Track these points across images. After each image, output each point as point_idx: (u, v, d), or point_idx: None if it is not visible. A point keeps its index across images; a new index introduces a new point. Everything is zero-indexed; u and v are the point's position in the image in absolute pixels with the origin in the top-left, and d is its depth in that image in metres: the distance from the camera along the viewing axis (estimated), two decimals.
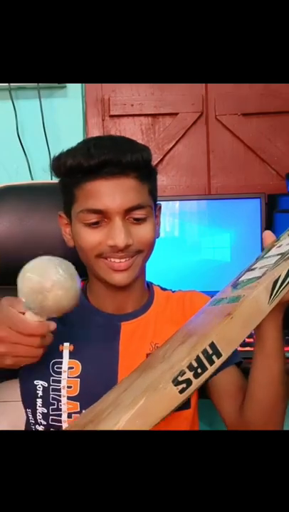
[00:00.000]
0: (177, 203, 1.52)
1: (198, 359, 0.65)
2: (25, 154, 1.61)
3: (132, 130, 1.66)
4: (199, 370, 0.65)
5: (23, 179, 1.58)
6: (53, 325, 0.74)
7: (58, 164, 0.88)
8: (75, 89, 1.68)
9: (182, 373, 0.65)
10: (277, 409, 0.84)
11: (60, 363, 0.90)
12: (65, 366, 0.89)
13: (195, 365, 0.65)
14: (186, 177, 1.66)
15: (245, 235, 1.49)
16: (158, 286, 1.01)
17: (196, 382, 0.65)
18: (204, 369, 0.65)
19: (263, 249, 0.84)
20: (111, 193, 0.84)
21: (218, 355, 0.66)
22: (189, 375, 0.65)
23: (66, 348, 0.91)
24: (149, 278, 1.02)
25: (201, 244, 1.51)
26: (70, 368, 0.89)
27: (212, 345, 0.66)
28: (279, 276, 0.70)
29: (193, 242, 1.51)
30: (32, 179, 1.60)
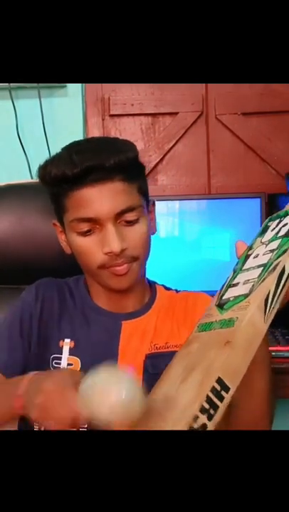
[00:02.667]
0: (177, 202, 1.52)
1: (208, 399, 0.61)
2: (25, 154, 1.61)
3: (132, 130, 1.66)
4: (212, 411, 0.61)
5: (23, 179, 1.57)
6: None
7: (44, 174, 0.87)
8: (75, 89, 1.67)
9: (196, 418, 0.60)
10: (262, 424, 0.84)
11: (60, 358, 0.90)
12: (64, 362, 0.90)
13: (207, 406, 0.61)
14: (186, 177, 1.66)
15: (245, 234, 1.47)
16: (162, 285, 1.00)
17: (211, 425, 0.61)
18: (216, 408, 0.61)
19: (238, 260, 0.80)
20: (99, 199, 0.83)
21: (227, 389, 0.62)
22: (203, 418, 0.60)
23: (67, 344, 0.91)
24: (149, 277, 1.02)
25: (201, 244, 1.51)
26: (69, 365, 0.89)
27: (219, 381, 0.62)
28: (269, 292, 0.67)
29: (193, 241, 1.51)
30: (32, 179, 1.60)
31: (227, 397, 0.62)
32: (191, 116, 1.65)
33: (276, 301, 0.67)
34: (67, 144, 0.91)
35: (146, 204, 0.91)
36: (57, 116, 1.67)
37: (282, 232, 0.75)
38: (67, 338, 0.91)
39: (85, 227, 0.85)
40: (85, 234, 0.85)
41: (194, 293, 0.98)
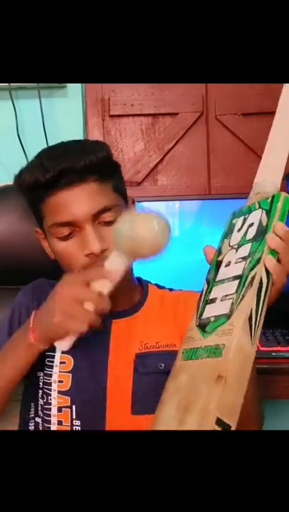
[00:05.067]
0: (177, 202, 1.52)
1: None
2: (25, 154, 1.61)
3: (132, 130, 1.66)
4: None
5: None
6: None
7: (19, 182, 0.89)
8: (75, 89, 1.67)
9: None
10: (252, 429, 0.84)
11: (53, 356, 0.91)
12: (57, 361, 0.90)
13: None
14: (186, 177, 1.66)
15: None
16: (155, 284, 1.00)
17: None
18: None
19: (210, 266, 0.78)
20: (74, 202, 0.84)
21: (228, 427, 0.59)
22: None
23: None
24: (148, 277, 1.02)
25: (201, 244, 1.50)
26: (62, 363, 0.90)
27: (219, 421, 0.59)
28: (251, 311, 0.64)
29: (193, 242, 1.51)
30: None
31: None
32: (191, 117, 1.64)
33: (260, 318, 0.64)
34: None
35: (124, 203, 0.91)
36: (57, 116, 1.67)
37: (251, 235, 0.71)
38: None
39: (64, 231, 0.85)
40: (65, 238, 0.86)
41: (186, 292, 0.98)
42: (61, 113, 1.67)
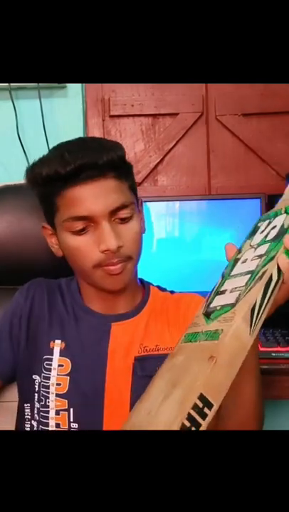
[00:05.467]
0: (177, 203, 1.52)
1: (190, 417, 0.59)
2: (25, 154, 1.61)
3: (132, 130, 1.66)
4: (193, 429, 0.59)
5: (23, 179, 1.58)
6: None
7: (34, 175, 0.87)
8: (75, 89, 1.67)
9: None
10: (251, 428, 0.84)
11: (51, 359, 0.90)
12: (55, 363, 0.90)
13: (188, 424, 0.58)
14: (187, 177, 1.66)
15: (245, 235, 1.48)
16: (157, 286, 1.00)
17: None
18: (198, 426, 0.59)
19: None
20: (93, 197, 0.83)
21: (210, 406, 0.60)
22: None
23: (57, 345, 0.91)
24: (149, 278, 1.02)
25: (201, 244, 1.51)
26: (60, 366, 0.90)
27: (201, 398, 0.60)
28: (255, 302, 0.65)
29: (193, 242, 1.51)
30: None
31: (210, 414, 0.60)
32: (191, 117, 1.64)
33: (263, 311, 0.65)
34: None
35: (136, 203, 0.91)
36: (57, 116, 1.67)
37: (271, 236, 0.73)
38: (58, 339, 0.91)
39: (79, 225, 0.84)
40: (79, 233, 0.85)
41: (188, 294, 0.98)
42: (61, 113, 1.67)
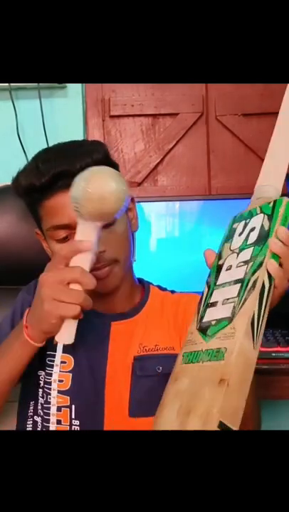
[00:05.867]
0: (177, 203, 1.52)
1: None
2: (25, 154, 1.61)
3: (132, 130, 1.66)
4: None
5: None
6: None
7: (16, 186, 0.88)
8: (75, 89, 1.67)
9: None
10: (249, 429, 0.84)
11: (53, 356, 0.90)
12: (57, 360, 0.90)
13: None
14: (187, 177, 1.66)
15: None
16: (157, 286, 1.00)
17: None
18: None
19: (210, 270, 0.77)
20: (70, 205, 0.82)
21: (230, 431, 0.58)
22: None
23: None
24: (149, 278, 1.02)
25: (201, 245, 1.51)
26: (62, 362, 0.90)
27: (221, 425, 0.58)
28: (253, 314, 0.63)
29: (193, 242, 1.51)
30: None
31: None
32: (191, 117, 1.64)
33: (262, 322, 0.64)
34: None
35: None
36: (57, 116, 1.67)
37: (252, 239, 0.71)
38: None
39: (61, 234, 0.85)
40: (62, 240, 0.85)
41: (188, 294, 0.98)
42: (61, 113, 1.67)
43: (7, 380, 0.83)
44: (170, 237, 1.51)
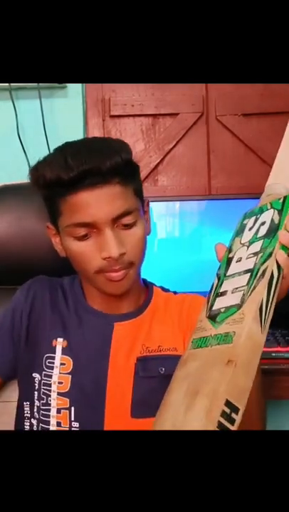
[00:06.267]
0: (177, 203, 1.52)
1: (220, 425, 0.58)
2: (25, 154, 1.61)
3: (132, 130, 1.66)
4: None
5: (23, 179, 1.58)
6: None
7: (37, 176, 0.85)
8: (75, 89, 1.67)
9: None
10: (255, 426, 0.83)
11: (53, 358, 0.90)
12: (57, 362, 0.90)
13: None
14: (187, 177, 1.66)
15: None
16: (160, 287, 1.00)
17: None
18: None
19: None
20: (96, 203, 0.81)
21: (237, 410, 0.59)
22: None
23: (60, 343, 0.91)
24: (149, 278, 1.02)
25: (201, 245, 1.51)
26: (62, 364, 0.90)
27: (228, 404, 0.59)
28: (262, 300, 0.65)
29: (193, 242, 1.51)
30: None
31: (238, 418, 0.59)
32: (191, 117, 1.64)
33: (270, 308, 0.66)
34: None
35: (141, 205, 0.89)
36: (57, 116, 1.67)
37: (262, 232, 0.73)
38: (60, 337, 0.91)
39: (81, 231, 0.83)
40: (81, 239, 0.84)
41: (191, 295, 0.97)
42: (61, 113, 1.67)
43: None
44: (170, 237, 1.51)
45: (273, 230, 0.71)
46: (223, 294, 0.73)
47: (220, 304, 0.72)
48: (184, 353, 0.73)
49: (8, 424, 0.99)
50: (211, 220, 1.51)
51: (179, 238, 1.52)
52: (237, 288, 0.70)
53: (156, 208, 1.48)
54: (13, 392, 1.00)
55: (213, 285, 0.77)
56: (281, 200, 0.73)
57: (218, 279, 0.76)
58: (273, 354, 1.19)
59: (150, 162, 1.64)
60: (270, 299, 0.66)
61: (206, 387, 0.63)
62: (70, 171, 0.80)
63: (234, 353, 0.63)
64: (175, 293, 1.00)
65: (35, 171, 0.85)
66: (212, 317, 0.72)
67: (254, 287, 0.67)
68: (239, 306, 0.67)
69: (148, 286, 0.99)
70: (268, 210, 0.75)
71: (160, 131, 1.66)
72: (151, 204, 1.48)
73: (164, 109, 1.64)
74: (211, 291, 0.76)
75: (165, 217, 1.51)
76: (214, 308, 0.73)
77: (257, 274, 0.68)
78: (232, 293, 0.71)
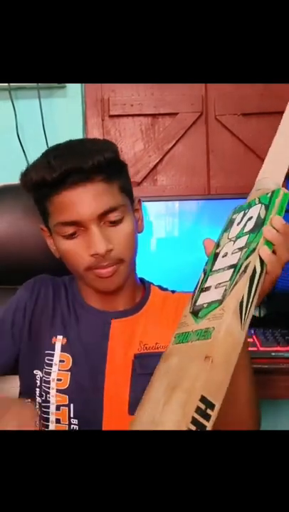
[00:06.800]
0: (177, 203, 1.52)
1: (194, 420, 0.58)
2: (24, 154, 1.61)
3: (131, 130, 1.66)
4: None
5: None
6: None
7: (25, 180, 0.87)
8: (74, 89, 1.67)
9: None
10: (248, 424, 0.84)
11: (52, 355, 0.91)
12: (56, 359, 0.90)
13: (193, 428, 0.58)
14: (186, 177, 1.66)
15: None
16: (158, 286, 1.00)
17: None
18: (203, 428, 0.58)
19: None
20: (80, 202, 0.83)
21: (212, 406, 0.59)
22: None
23: (59, 340, 0.92)
24: (148, 278, 1.02)
25: (200, 244, 1.50)
26: (61, 361, 0.90)
27: (203, 400, 0.59)
28: (243, 296, 0.64)
29: (192, 242, 1.51)
30: None
31: (213, 414, 0.59)
32: (190, 117, 1.64)
33: (251, 304, 0.65)
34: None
35: (130, 203, 0.90)
36: (56, 116, 1.67)
37: (249, 227, 0.72)
38: (60, 334, 0.92)
39: (69, 230, 0.85)
40: (69, 237, 0.85)
41: (189, 294, 0.98)
42: (61, 113, 1.67)
43: None
44: (169, 236, 1.51)
45: (259, 225, 0.70)
46: (207, 289, 0.73)
47: (203, 299, 0.72)
48: (166, 349, 0.73)
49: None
50: (210, 219, 1.51)
51: (178, 238, 1.52)
52: (220, 283, 0.70)
53: (155, 208, 1.49)
54: (12, 393, 1.00)
55: (199, 280, 0.77)
56: (269, 194, 0.73)
57: (204, 274, 0.76)
58: (273, 354, 1.19)
59: (149, 162, 1.64)
60: (252, 295, 0.65)
61: (183, 383, 0.63)
62: (53, 171, 0.83)
63: (212, 348, 0.62)
64: (173, 292, 1.00)
65: (24, 175, 0.88)
66: (195, 312, 0.71)
67: (236, 283, 0.66)
68: (220, 302, 0.67)
69: (145, 285, 0.99)
70: (256, 205, 0.74)
71: (159, 131, 1.66)
72: (151, 204, 1.48)
73: (163, 108, 1.65)
74: (196, 286, 0.76)
75: (164, 216, 1.51)
76: (198, 303, 0.72)
77: (240, 269, 0.68)
78: (215, 288, 0.71)
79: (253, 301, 0.65)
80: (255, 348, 1.21)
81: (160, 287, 1.00)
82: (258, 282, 0.66)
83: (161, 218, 1.51)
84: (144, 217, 0.96)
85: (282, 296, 1.18)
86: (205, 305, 0.70)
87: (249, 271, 0.66)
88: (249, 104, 1.64)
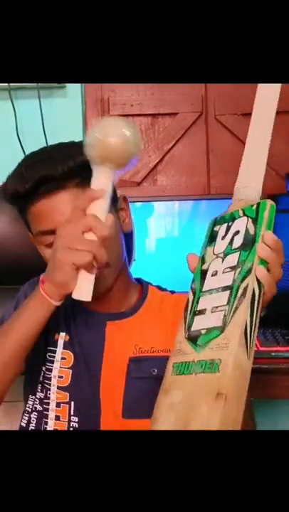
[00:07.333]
0: (177, 203, 1.52)
1: None
2: (24, 154, 1.60)
3: None
4: None
5: None
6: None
7: (4, 193, 0.87)
8: (74, 89, 1.68)
9: None
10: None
11: (54, 351, 0.90)
12: (58, 356, 0.90)
13: None
14: (186, 177, 1.66)
15: None
16: (156, 286, 1.00)
17: None
18: None
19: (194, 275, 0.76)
20: (55, 209, 0.82)
21: None
22: None
23: (62, 337, 0.91)
24: (148, 278, 1.02)
25: (200, 244, 1.50)
26: (62, 358, 0.90)
27: None
28: (246, 323, 0.62)
29: (192, 242, 1.51)
30: None
31: None
32: (190, 117, 1.65)
33: (254, 330, 0.63)
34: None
35: (112, 204, 0.89)
36: (56, 116, 1.67)
37: (237, 243, 0.69)
38: (63, 331, 0.91)
39: (49, 239, 0.83)
40: (50, 245, 0.83)
41: (187, 295, 0.97)
42: (61, 113, 1.67)
43: (21, 343, 0.80)
44: (169, 236, 1.52)
45: (250, 241, 0.67)
46: (202, 312, 0.69)
47: (199, 324, 0.69)
48: (165, 378, 0.70)
49: (8, 424, 0.99)
50: (210, 219, 1.51)
51: (178, 238, 1.52)
52: (217, 307, 0.67)
53: (155, 208, 1.49)
54: (12, 392, 1.00)
55: (188, 301, 0.74)
56: (254, 207, 0.70)
57: (194, 294, 0.73)
58: (273, 353, 1.19)
59: (149, 162, 1.64)
60: (254, 320, 0.63)
61: (196, 422, 0.61)
62: (25, 182, 0.82)
63: (223, 384, 0.60)
64: (172, 292, 0.99)
65: (4, 186, 0.87)
66: (192, 339, 0.68)
67: (236, 308, 0.64)
68: (222, 329, 0.64)
69: (143, 285, 0.98)
70: (240, 217, 0.71)
71: (159, 131, 1.66)
72: (151, 204, 1.48)
73: (163, 108, 1.65)
74: (187, 308, 0.73)
75: (164, 216, 1.51)
76: (193, 328, 0.69)
77: (237, 292, 0.65)
78: (212, 312, 0.67)
79: (255, 326, 0.63)
80: (255, 348, 1.21)
81: (159, 287, 1.00)
82: (258, 305, 0.64)
83: (161, 218, 1.51)
84: (131, 216, 0.94)
85: (282, 296, 1.18)
86: (203, 331, 0.67)
87: (248, 295, 0.64)
88: (249, 104, 1.62)
